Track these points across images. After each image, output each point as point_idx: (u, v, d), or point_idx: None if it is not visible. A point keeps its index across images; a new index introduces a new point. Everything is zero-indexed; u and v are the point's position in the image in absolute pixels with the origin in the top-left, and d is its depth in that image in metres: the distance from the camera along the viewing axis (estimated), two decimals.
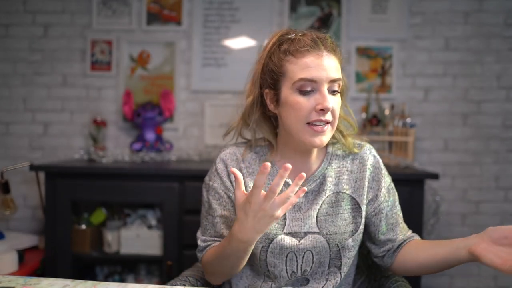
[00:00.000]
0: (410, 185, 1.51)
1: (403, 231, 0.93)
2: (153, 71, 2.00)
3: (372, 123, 1.87)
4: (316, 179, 0.90)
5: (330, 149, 0.93)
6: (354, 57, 1.97)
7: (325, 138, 0.83)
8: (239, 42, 1.98)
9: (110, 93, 2.02)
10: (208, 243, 0.92)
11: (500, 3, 1.93)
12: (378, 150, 1.89)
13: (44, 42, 2.01)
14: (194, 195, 1.56)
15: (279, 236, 0.87)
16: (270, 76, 0.85)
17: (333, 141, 0.94)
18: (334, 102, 0.81)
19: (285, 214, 0.88)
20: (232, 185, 0.91)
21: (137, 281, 1.82)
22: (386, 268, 0.95)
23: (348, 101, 1.99)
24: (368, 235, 0.95)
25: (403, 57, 1.97)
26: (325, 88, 0.80)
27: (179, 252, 1.58)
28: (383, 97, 1.95)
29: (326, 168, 0.91)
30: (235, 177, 0.72)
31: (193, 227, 1.57)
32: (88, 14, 2.00)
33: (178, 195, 1.57)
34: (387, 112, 1.87)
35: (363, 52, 1.97)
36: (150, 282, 1.81)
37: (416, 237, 0.93)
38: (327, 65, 0.80)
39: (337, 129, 0.90)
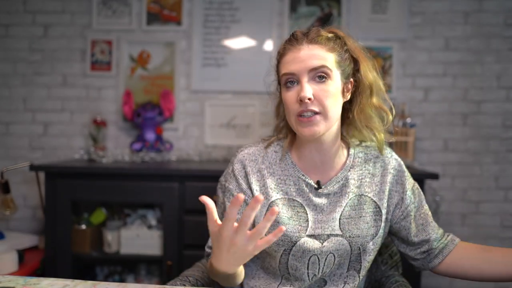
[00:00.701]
0: None
1: (435, 230, 0.90)
2: (153, 71, 2.00)
3: None
4: (339, 181, 0.89)
5: (352, 151, 0.92)
6: None
7: (317, 128, 0.81)
8: (239, 42, 1.98)
9: (110, 93, 2.02)
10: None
11: (500, 3, 1.93)
12: None
13: (44, 42, 2.01)
14: (194, 195, 1.56)
15: (302, 239, 0.85)
16: (278, 80, 0.92)
17: (356, 141, 0.93)
18: (318, 90, 0.81)
19: (307, 216, 0.87)
20: (249, 187, 0.90)
21: (137, 281, 1.82)
22: (428, 270, 0.92)
23: None
24: (401, 240, 0.93)
25: (403, 57, 1.97)
26: (305, 79, 0.81)
27: (179, 252, 1.58)
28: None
29: (349, 170, 0.90)
30: (206, 205, 0.65)
31: (193, 227, 1.57)
32: (88, 14, 2.00)
33: (178, 195, 1.57)
34: None
35: None
36: (150, 282, 1.81)
37: (457, 239, 0.90)
38: (305, 56, 0.81)
39: (366, 126, 0.88)
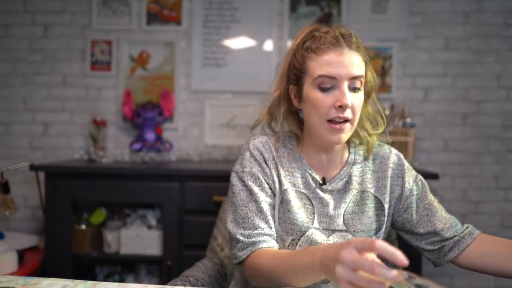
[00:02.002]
0: None
1: (443, 220, 0.88)
2: (153, 71, 2.00)
3: None
4: (343, 178, 0.91)
5: (353, 149, 0.94)
6: None
7: (344, 135, 0.82)
8: (239, 42, 1.98)
9: (110, 93, 2.02)
10: (254, 239, 0.82)
11: (500, 3, 1.93)
12: None
13: (44, 42, 2.01)
14: (194, 195, 1.56)
15: (311, 230, 0.86)
16: (294, 73, 0.87)
17: (356, 141, 0.95)
18: (354, 99, 0.81)
19: (313, 208, 0.88)
20: (271, 172, 0.89)
21: (137, 281, 1.82)
22: (446, 263, 0.89)
23: None
24: (409, 233, 0.92)
25: (403, 57, 1.97)
26: (345, 85, 0.80)
27: (179, 252, 1.58)
28: (383, 97, 1.95)
29: (351, 168, 0.92)
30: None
31: (193, 227, 1.57)
32: (88, 14, 2.00)
33: (178, 195, 1.57)
34: (387, 112, 1.87)
35: None
36: (150, 282, 1.81)
37: (476, 232, 0.87)
38: (347, 62, 0.80)
39: (363, 127, 0.90)
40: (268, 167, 0.90)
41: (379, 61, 1.96)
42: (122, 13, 2.00)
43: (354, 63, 0.80)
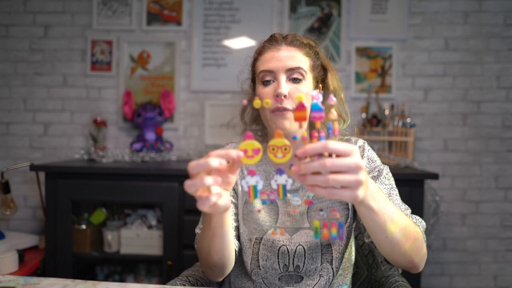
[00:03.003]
0: (410, 185, 1.51)
1: None
2: (153, 71, 2.01)
3: (372, 123, 1.87)
4: None
5: None
6: (354, 57, 1.97)
7: (288, 122, 0.85)
8: (239, 42, 1.99)
9: (110, 93, 2.02)
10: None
11: (500, 3, 1.93)
12: (378, 150, 1.91)
13: (44, 42, 2.02)
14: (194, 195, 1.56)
15: (272, 229, 0.91)
16: (251, 77, 0.98)
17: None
18: (294, 89, 0.86)
19: (277, 208, 0.92)
20: None
21: (137, 281, 1.82)
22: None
23: (348, 101, 2.00)
24: (360, 227, 0.91)
25: (402, 57, 1.97)
26: (282, 77, 0.86)
27: (179, 252, 1.58)
28: (383, 97, 1.95)
29: None
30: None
31: (193, 227, 1.57)
32: (89, 14, 2.01)
33: (178, 195, 1.57)
34: (387, 112, 1.87)
35: (363, 52, 1.97)
36: (150, 282, 1.82)
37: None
38: (283, 56, 0.87)
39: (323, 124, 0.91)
40: None
41: (379, 61, 1.97)
42: (122, 13, 2.00)
43: (291, 56, 0.88)
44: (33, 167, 1.59)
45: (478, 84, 1.95)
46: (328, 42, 1.97)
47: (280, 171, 0.56)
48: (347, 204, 0.92)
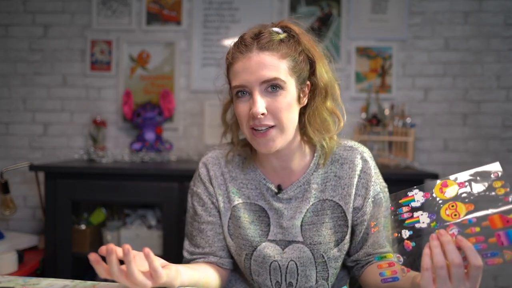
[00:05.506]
0: (410, 185, 1.50)
1: (374, 246, 0.84)
2: (153, 71, 2.00)
3: (372, 123, 1.87)
4: (300, 185, 0.86)
5: (318, 153, 0.87)
6: (354, 57, 1.97)
7: (273, 143, 0.77)
8: None
9: (110, 93, 2.02)
10: (194, 256, 0.90)
11: (500, 3, 1.93)
12: (378, 150, 1.90)
13: (44, 42, 2.01)
14: None
15: (263, 244, 0.85)
16: (228, 85, 0.87)
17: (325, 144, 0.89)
18: (272, 103, 0.75)
19: (269, 220, 0.86)
20: (215, 191, 0.90)
21: None
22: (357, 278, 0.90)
23: (348, 101, 2.00)
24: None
25: (402, 57, 1.97)
26: (256, 91, 0.75)
27: (179, 252, 1.58)
28: (383, 97, 1.95)
29: (312, 174, 0.86)
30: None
31: None
32: (88, 14, 2.00)
33: (178, 195, 1.57)
34: (387, 112, 1.87)
35: (363, 52, 1.97)
36: None
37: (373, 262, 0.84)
38: (255, 66, 0.75)
39: (317, 130, 0.83)
40: (212, 185, 0.90)
41: (379, 61, 1.97)
42: (122, 13, 2.00)
43: (264, 65, 0.74)
44: (33, 167, 1.59)
45: (478, 84, 1.95)
46: (328, 42, 1.96)
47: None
48: (346, 221, 0.85)
